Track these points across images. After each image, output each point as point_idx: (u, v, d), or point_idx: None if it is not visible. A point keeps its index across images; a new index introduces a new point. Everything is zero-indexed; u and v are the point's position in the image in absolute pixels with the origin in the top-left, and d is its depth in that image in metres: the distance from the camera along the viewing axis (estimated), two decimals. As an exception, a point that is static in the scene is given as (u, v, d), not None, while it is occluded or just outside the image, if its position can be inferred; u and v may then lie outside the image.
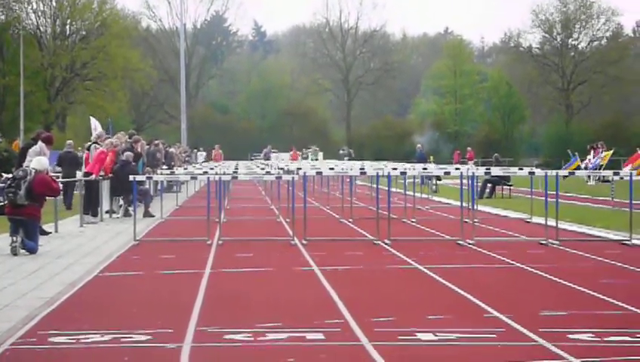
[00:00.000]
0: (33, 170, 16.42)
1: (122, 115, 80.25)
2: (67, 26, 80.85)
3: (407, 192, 26.62)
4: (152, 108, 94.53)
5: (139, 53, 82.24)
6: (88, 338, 8.94)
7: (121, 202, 25.48)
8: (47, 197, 17.09)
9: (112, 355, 8.29)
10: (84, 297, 11.72)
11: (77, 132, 68.57)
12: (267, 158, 58.10)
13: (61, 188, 19.09)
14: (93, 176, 22.98)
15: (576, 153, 50.50)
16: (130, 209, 23.61)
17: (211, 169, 27.65)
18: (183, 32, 76.60)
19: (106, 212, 24.45)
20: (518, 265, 14.62)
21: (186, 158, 49.04)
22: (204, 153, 65.73)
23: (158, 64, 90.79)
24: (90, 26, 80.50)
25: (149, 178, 24.14)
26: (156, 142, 35.75)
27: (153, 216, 24.59)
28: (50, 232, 19.72)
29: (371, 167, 27.88)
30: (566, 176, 25.47)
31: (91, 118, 34.25)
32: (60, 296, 11.52)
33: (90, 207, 23.07)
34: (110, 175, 24.38)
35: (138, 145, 27.92)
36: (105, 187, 24.41)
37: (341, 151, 65.23)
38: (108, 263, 15.01)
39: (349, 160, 54.33)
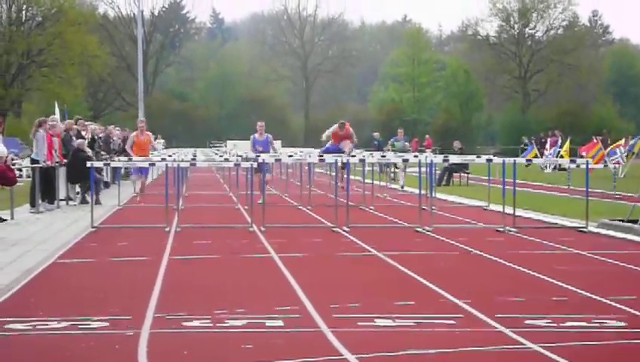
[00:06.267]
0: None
1: (79, 101, 79.63)
2: (23, 12, 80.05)
3: (366, 180, 26.66)
4: (109, 95, 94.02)
5: (96, 40, 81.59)
6: (45, 324, 8.87)
7: (78, 189, 25.29)
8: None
9: (70, 342, 8.22)
10: (40, 284, 11.63)
11: (33, 119, 67.88)
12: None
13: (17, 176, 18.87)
14: (48, 163, 22.77)
15: (533, 141, 50.91)
16: (87, 196, 23.43)
17: (169, 156, 27.54)
18: (141, 18, 76.04)
19: (62, 199, 24.23)
20: (475, 251, 14.69)
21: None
22: (163, 140, 65.36)
23: (115, 51, 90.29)
24: (47, 12, 79.72)
25: (107, 165, 23.99)
26: (109, 127, 35.61)
27: (100, 204, 24.20)
28: (7, 219, 19.55)
29: (330, 154, 27.86)
30: (528, 165, 25.64)
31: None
32: (16, 284, 11.42)
33: (47, 193, 22.85)
34: (65, 161, 24.14)
35: (87, 131, 27.69)
36: (61, 173, 24.18)
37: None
38: (65, 250, 14.89)
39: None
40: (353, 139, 26.65)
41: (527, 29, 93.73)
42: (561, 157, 42.78)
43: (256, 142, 24.85)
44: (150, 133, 28.25)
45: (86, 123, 29.79)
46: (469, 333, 8.58)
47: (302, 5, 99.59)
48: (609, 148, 33.88)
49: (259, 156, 21.47)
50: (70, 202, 24.68)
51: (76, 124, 27.29)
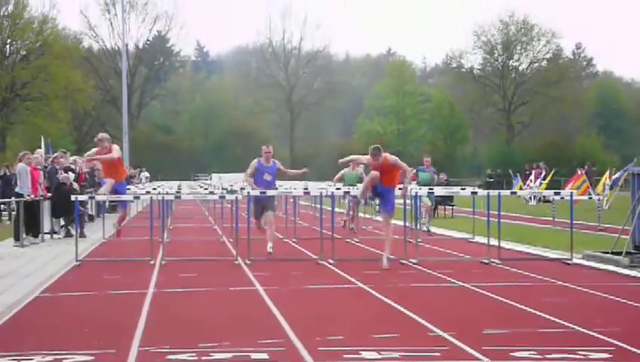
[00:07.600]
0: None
1: (63, 135, 79.52)
2: (7, 46, 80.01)
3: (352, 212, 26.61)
4: (93, 128, 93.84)
5: (81, 74, 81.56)
6: (30, 359, 8.82)
7: (63, 222, 25.22)
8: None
9: (54, 376, 8.19)
10: (25, 318, 11.57)
11: (17, 152, 67.62)
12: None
13: None
14: (32, 196, 22.70)
15: (518, 174, 51.03)
16: (72, 229, 23.34)
17: (154, 189, 27.48)
18: (125, 52, 76.13)
19: (46, 233, 24.15)
20: (460, 283, 14.69)
21: (131, 179, 48.60)
22: (148, 173, 65.27)
23: (100, 84, 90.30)
24: (31, 46, 79.70)
25: (92, 198, 23.90)
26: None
27: (85, 237, 24.12)
28: (-10, 253, 19.49)
29: (315, 187, 27.89)
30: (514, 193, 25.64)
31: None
32: (0, 318, 11.36)
33: (31, 227, 22.79)
34: (49, 194, 24.08)
35: (67, 162, 27.58)
36: (45, 207, 24.12)
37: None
38: (49, 284, 14.84)
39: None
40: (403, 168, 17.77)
41: (511, 62, 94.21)
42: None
43: (262, 169, 19.68)
44: (115, 146, 19.92)
45: (68, 156, 29.57)
46: (454, 366, 8.57)
47: (287, 38, 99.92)
48: (600, 184, 33.90)
49: (244, 189, 21.06)
50: (54, 236, 24.62)
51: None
